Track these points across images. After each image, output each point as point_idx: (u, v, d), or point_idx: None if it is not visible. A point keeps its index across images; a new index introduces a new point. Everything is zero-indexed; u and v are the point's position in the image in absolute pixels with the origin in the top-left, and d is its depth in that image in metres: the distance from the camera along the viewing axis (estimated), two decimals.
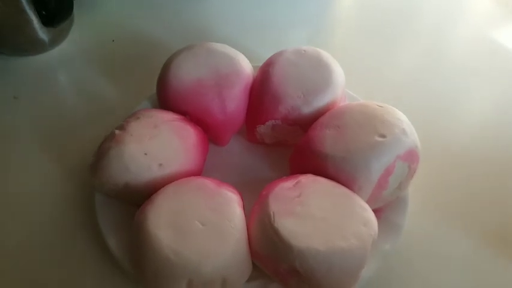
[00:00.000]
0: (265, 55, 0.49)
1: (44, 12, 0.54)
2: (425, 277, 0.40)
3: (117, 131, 0.39)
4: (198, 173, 0.42)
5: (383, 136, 0.37)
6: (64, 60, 0.59)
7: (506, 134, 0.52)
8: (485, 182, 0.47)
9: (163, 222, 0.33)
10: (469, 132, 0.53)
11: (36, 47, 0.59)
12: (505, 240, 0.43)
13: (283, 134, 0.45)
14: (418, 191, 0.43)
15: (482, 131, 0.53)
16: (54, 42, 0.60)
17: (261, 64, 0.48)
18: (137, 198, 0.38)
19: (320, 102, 0.43)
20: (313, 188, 0.36)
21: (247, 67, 0.47)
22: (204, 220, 0.33)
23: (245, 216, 0.36)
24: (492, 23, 0.68)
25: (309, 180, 0.37)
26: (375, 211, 0.37)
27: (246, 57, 0.48)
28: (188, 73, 0.45)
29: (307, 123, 0.43)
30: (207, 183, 0.37)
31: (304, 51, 0.47)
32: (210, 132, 0.45)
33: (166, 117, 0.42)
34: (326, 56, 0.46)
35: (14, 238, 0.42)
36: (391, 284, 0.40)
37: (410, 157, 0.38)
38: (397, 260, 0.40)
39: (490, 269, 0.41)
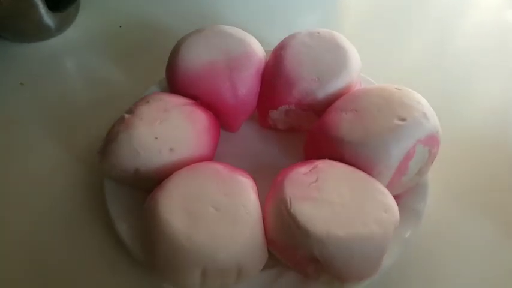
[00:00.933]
0: (274, 40, 0.47)
1: None
2: (445, 266, 0.39)
3: (126, 115, 0.38)
4: (209, 158, 0.41)
5: (403, 119, 0.36)
6: (70, 47, 0.58)
7: None
8: (507, 168, 0.46)
9: (175, 207, 0.32)
10: (488, 116, 0.51)
11: (42, 33, 0.58)
12: None
13: (296, 119, 0.44)
14: (438, 177, 0.41)
15: (502, 115, 0.51)
16: (60, 28, 0.59)
17: (271, 49, 0.47)
18: (148, 184, 0.37)
19: (335, 85, 0.42)
20: (330, 173, 0.35)
21: (258, 50, 0.45)
22: (218, 205, 0.32)
23: (259, 202, 0.35)
24: (505, 4, 0.66)
25: (325, 165, 0.36)
26: (394, 198, 0.35)
27: None
28: (198, 56, 0.43)
29: (321, 108, 0.42)
30: (220, 168, 0.36)
31: (318, 33, 0.45)
32: (221, 117, 0.44)
33: (177, 101, 0.40)
34: (340, 38, 0.45)
35: (23, 223, 0.41)
36: (410, 273, 0.38)
37: (431, 141, 0.37)
38: (416, 248, 0.39)
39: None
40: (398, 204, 0.35)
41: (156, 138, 0.37)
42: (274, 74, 0.43)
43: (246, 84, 0.43)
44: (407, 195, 0.38)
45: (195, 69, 0.43)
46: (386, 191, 0.34)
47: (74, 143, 0.47)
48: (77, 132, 0.48)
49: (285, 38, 0.46)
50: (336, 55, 0.43)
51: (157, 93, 0.43)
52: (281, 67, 0.43)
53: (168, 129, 0.37)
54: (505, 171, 0.46)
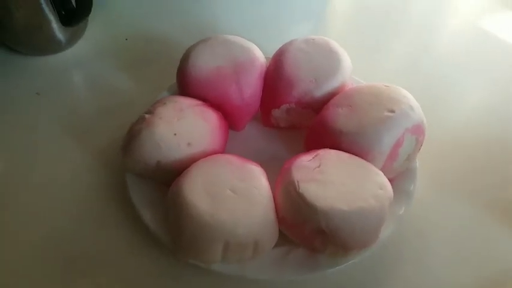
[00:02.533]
0: (270, 48, 0.52)
1: (63, 12, 0.57)
2: (432, 242, 0.44)
3: (146, 115, 0.42)
4: (221, 153, 0.45)
5: (392, 111, 0.41)
6: (81, 59, 0.62)
7: (500, 112, 0.57)
8: (487, 156, 0.52)
9: (198, 191, 0.36)
10: (467, 112, 0.57)
11: (53, 46, 0.62)
12: (508, 212, 0.47)
13: (297, 117, 0.49)
14: (426, 167, 0.46)
15: (481, 111, 0.57)
16: (71, 42, 0.63)
17: (268, 56, 0.52)
18: (167, 176, 0.41)
19: (331, 85, 0.47)
20: (331, 159, 0.39)
21: (260, 56, 0.50)
22: (235, 189, 0.37)
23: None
24: (480, 12, 0.73)
25: (326, 153, 0.40)
26: None
27: None
28: (206, 62, 0.48)
29: (319, 106, 0.46)
30: (233, 158, 0.40)
31: (313, 40, 0.50)
32: (228, 117, 0.48)
33: (190, 103, 0.45)
34: (333, 43, 0.50)
35: (48, 219, 0.45)
36: (403, 247, 0.43)
37: (418, 130, 0.42)
38: (408, 228, 0.44)
39: (492, 237, 0.45)
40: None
41: (175, 134, 0.41)
42: (275, 77, 0.48)
43: (251, 87, 0.48)
44: (398, 178, 0.43)
45: (204, 74, 0.47)
46: (380, 172, 0.39)
47: (90, 146, 0.51)
48: (92, 136, 0.52)
49: (283, 44, 0.51)
50: (330, 58, 0.48)
51: (171, 96, 0.47)
52: (281, 71, 0.48)
53: (185, 126, 0.42)
54: (485, 159, 0.51)
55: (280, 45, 0.52)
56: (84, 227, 0.44)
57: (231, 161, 0.40)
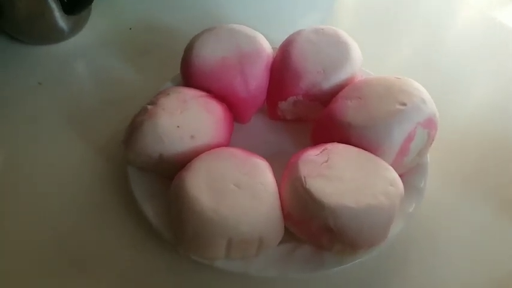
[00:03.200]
0: (277, 39, 0.50)
1: (66, 0, 0.55)
2: (442, 242, 0.43)
3: (149, 106, 0.41)
4: (225, 146, 0.43)
5: (403, 104, 0.39)
6: (83, 49, 0.61)
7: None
8: (499, 153, 0.50)
9: (201, 185, 0.35)
10: (480, 106, 0.55)
11: (56, 35, 0.60)
12: None
13: (304, 109, 0.47)
14: (437, 166, 0.45)
15: (493, 105, 0.55)
16: (73, 31, 0.62)
17: (274, 46, 0.50)
18: (170, 169, 0.40)
19: (339, 77, 0.45)
20: (339, 154, 0.38)
21: (266, 46, 0.49)
22: (239, 183, 0.35)
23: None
24: (492, 5, 0.70)
25: (334, 147, 0.39)
26: None
27: None
28: (211, 52, 0.46)
29: (327, 98, 0.45)
30: (238, 152, 0.39)
31: (322, 29, 0.48)
32: (233, 109, 0.47)
33: (194, 94, 0.43)
34: (343, 33, 0.48)
35: (52, 213, 0.44)
36: (411, 247, 0.42)
37: (430, 124, 0.40)
38: (417, 227, 0.42)
39: (503, 237, 0.43)
40: None
41: (178, 126, 0.40)
42: (282, 68, 0.47)
43: (257, 78, 0.47)
44: (408, 174, 0.42)
45: (209, 65, 0.46)
46: (390, 167, 0.37)
47: (91, 138, 0.50)
48: (93, 127, 0.51)
49: (291, 34, 0.49)
50: (339, 49, 0.46)
51: (175, 86, 0.46)
52: (288, 61, 0.46)
53: (188, 118, 0.41)
54: (497, 157, 0.50)
55: (288, 36, 0.50)
56: (84, 220, 0.43)
57: (236, 155, 0.39)
